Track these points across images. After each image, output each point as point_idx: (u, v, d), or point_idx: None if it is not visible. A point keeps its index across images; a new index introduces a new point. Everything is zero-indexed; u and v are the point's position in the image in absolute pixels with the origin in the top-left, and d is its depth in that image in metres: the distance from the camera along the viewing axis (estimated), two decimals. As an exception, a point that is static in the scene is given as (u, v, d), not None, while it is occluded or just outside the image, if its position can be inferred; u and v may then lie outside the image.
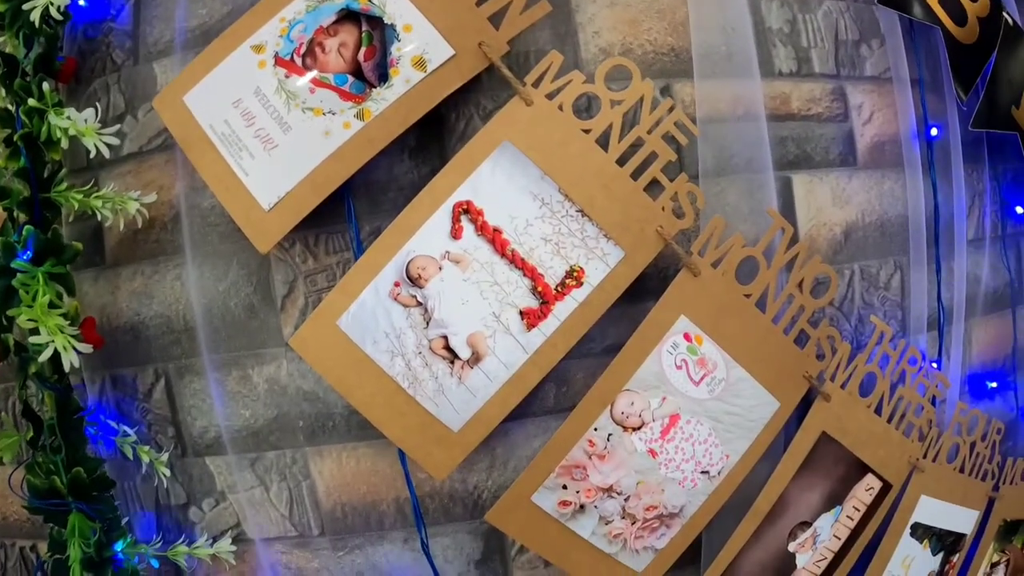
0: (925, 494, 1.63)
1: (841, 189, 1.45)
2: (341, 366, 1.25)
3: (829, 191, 1.43)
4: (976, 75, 1.55)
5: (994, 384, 1.75)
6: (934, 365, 1.54)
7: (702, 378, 1.28)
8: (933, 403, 1.55)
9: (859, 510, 1.53)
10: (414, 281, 1.23)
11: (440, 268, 1.23)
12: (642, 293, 1.27)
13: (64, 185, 1.32)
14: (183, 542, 1.34)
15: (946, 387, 1.56)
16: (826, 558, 1.49)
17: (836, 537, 1.48)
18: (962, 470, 1.67)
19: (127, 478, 1.37)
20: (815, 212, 1.42)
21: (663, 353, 1.26)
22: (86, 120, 1.27)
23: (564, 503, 1.27)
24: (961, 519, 1.73)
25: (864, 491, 1.53)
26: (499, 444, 1.32)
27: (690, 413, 1.28)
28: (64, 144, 1.29)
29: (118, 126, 1.27)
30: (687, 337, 1.27)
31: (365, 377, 1.24)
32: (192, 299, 1.29)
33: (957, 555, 1.73)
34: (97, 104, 1.27)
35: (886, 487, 1.53)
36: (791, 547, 1.46)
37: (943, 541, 1.71)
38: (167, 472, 1.33)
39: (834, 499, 1.46)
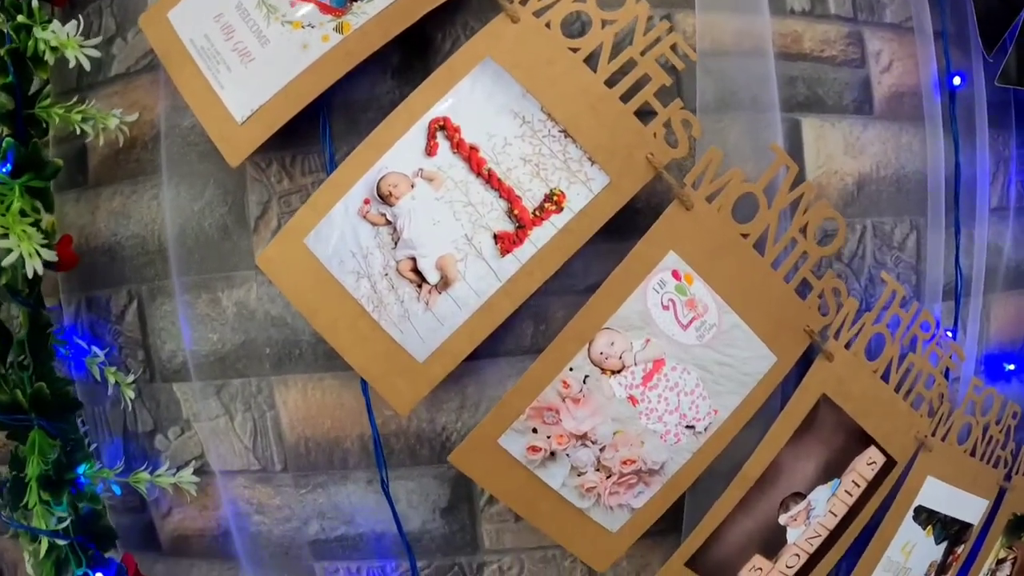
0: (932, 475, 1.35)
1: (855, 138, 1.22)
2: (306, 287, 1.06)
3: (841, 138, 1.21)
4: (1004, 29, 1.32)
5: (1012, 366, 1.47)
6: (948, 334, 1.30)
7: (691, 322, 1.07)
8: (946, 376, 1.31)
9: (859, 485, 1.27)
10: (384, 199, 1.05)
11: (412, 186, 1.05)
12: (632, 230, 1.06)
13: (48, 101, 1.20)
14: (146, 469, 1.19)
15: (960, 359, 1.30)
16: (820, 535, 1.23)
17: (832, 513, 1.23)
18: (972, 453, 1.39)
19: (97, 403, 1.21)
20: (825, 159, 1.20)
21: (648, 291, 1.05)
22: (68, 33, 1.15)
23: (533, 448, 1.06)
24: (968, 507, 1.43)
25: (865, 465, 1.27)
26: (470, 383, 1.12)
27: (676, 359, 1.07)
28: (49, 59, 1.17)
29: (99, 38, 1.12)
30: (676, 275, 1.06)
31: (329, 299, 1.06)
32: (167, 218, 1.14)
33: (962, 546, 1.44)
34: (80, 16, 1.13)
35: (890, 463, 1.27)
36: (782, 519, 1.21)
37: (948, 529, 1.42)
38: (132, 395, 1.17)
39: (832, 471, 1.21)
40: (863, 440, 1.22)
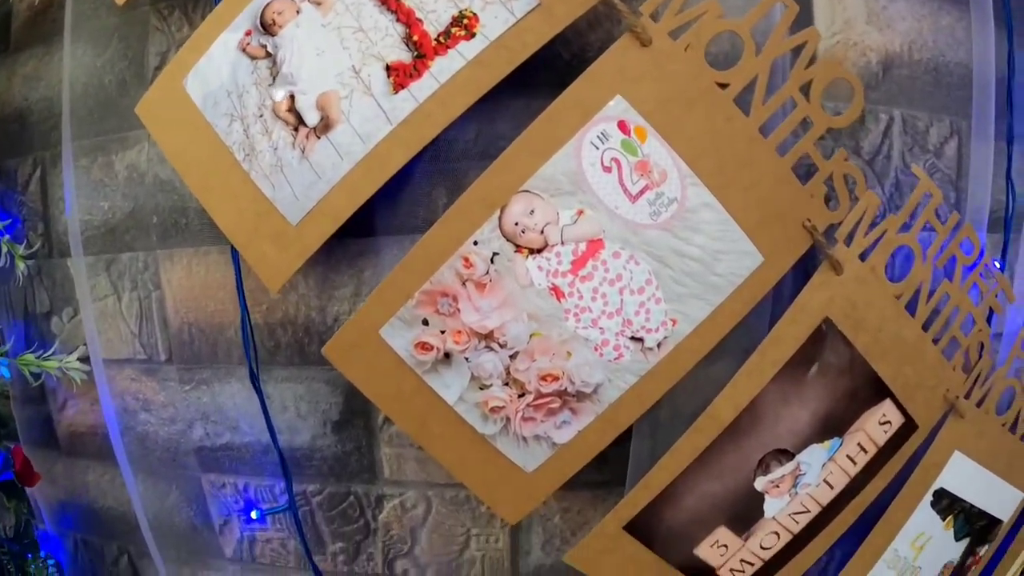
0: (960, 450, 0.78)
1: (881, 7, 0.72)
2: (181, 135, 0.65)
3: (863, 2, 0.74)
4: None
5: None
6: (996, 264, 0.75)
7: (642, 192, 0.58)
8: (988, 321, 0.78)
9: (866, 451, 0.71)
10: (267, 28, 0.65)
11: (298, 11, 0.65)
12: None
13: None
14: (32, 350, 0.82)
15: (1009, 300, 0.74)
16: (809, 511, 0.70)
17: (827, 484, 0.70)
18: (1013, 428, 0.81)
19: (3, 281, 0.87)
20: (842, 25, 0.69)
21: (585, 145, 0.57)
22: None
23: (423, 346, 0.60)
24: (1000, 498, 0.84)
25: (877, 425, 0.71)
26: (367, 266, 0.67)
27: (620, 242, 0.58)
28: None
29: None
30: (623, 127, 0.57)
31: (202, 148, 0.64)
32: (66, 77, 0.76)
33: (985, 547, 0.86)
34: None
35: (909, 426, 0.72)
36: (759, 483, 0.68)
37: (972, 523, 0.83)
38: (23, 268, 0.80)
39: (832, 426, 0.68)
40: (877, 390, 0.68)
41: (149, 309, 0.76)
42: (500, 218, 0.58)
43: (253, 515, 0.72)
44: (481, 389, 0.60)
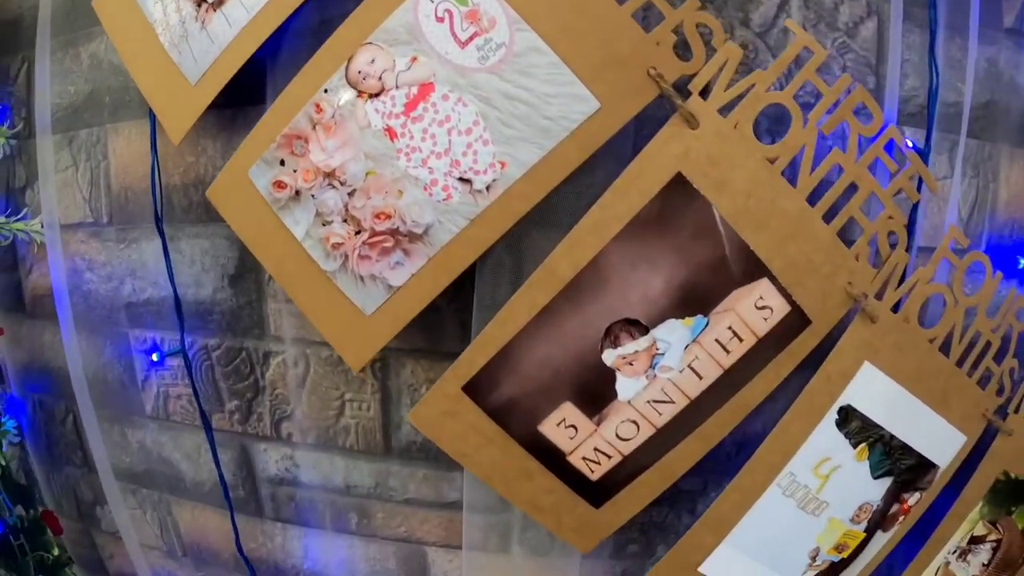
0: (872, 363, 0.70)
1: None
2: (120, 21, 0.78)
3: None
4: None
5: (1031, 261, 0.81)
6: (909, 144, 0.69)
7: (471, 38, 0.62)
8: (912, 224, 0.70)
9: (742, 339, 0.67)
10: None
11: None
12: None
13: None
14: (6, 216, 0.96)
15: (931, 189, 0.69)
16: (674, 403, 0.67)
17: (695, 373, 0.67)
18: (946, 350, 0.71)
19: None
20: None
21: (422, 0, 0.67)
22: None
23: (278, 184, 0.67)
24: (931, 435, 0.74)
25: (754, 309, 0.67)
26: None
27: (449, 85, 0.63)
28: None
29: None
30: None
31: (133, 29, 0.76)
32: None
33: (916, 496, 0.77)
34: None
35: (799, 319, 0.67)
36: (608, 358, 0.66)
37: (893, 459, 0.74)
38: (3, 143, 0.94)
39: (693, 300, 0.65)
40: (749, 265, 0.65)
41: (98, 177, 0.90)
42: (347, 68, 0.65)
43: (154, 357, 0.82)
44: (324, 225, 0.67)
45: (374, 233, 0.65)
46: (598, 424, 0.68)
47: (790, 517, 0.74)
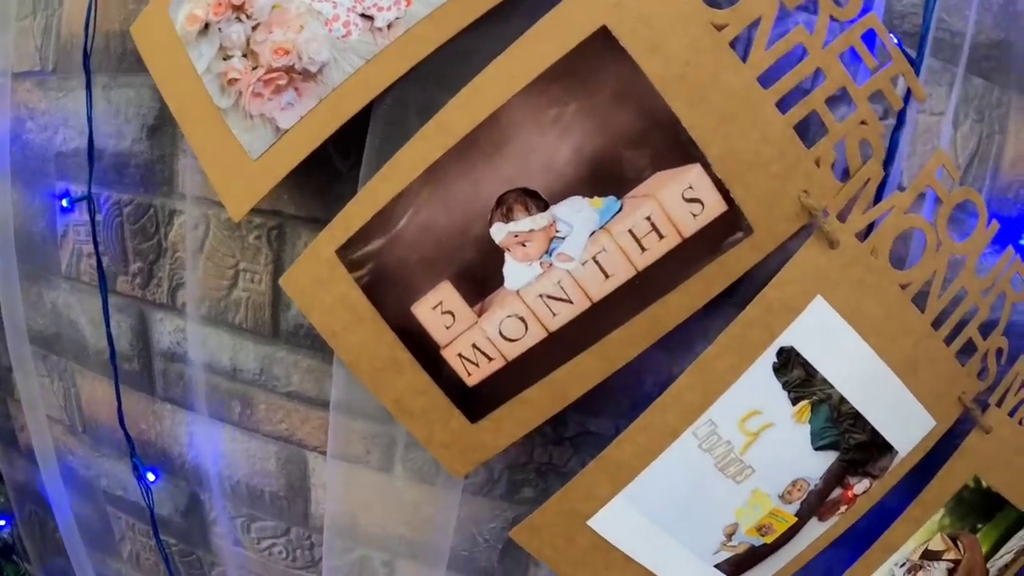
0: (825, 297, 0.60)
1: None
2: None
3: None
4: None
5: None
6: (894, 39, 0.60)
7: None
8: (897, 135, 0.61)
9: (662, 235, 0.59)
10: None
11: None
12: None
13: None
14: None
15: (918, 97, 0.61)
16: (572, 302, 0.59)
17: (601, 269, 0.59)
18: (921, 304, 0.61)
19: None
20: None
21: None
22: None
23: (192, 18, 0.65)
24: (891, 408, 0.63)
25: (680, 200, 0.58)
26: None
27: None
28: None
29: None
30: None
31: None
32: None
33: (865, 483, 0.66)
34: None
35: (735, 222, 0.58)
36: (497, 232, 0.59)
37: (841, 431, 0.63)
38: None
39: (604, 176, 0.58)
40: (677, 144, 0.57)
41: (51, 26, 0.93)
42: None
43: (64, 203, 0.83)
44: (224, 60, 0.65)
45: (270, 69, 0.62)
46: (479, 314, 0.62)
47: (705, 477, 0.63)
